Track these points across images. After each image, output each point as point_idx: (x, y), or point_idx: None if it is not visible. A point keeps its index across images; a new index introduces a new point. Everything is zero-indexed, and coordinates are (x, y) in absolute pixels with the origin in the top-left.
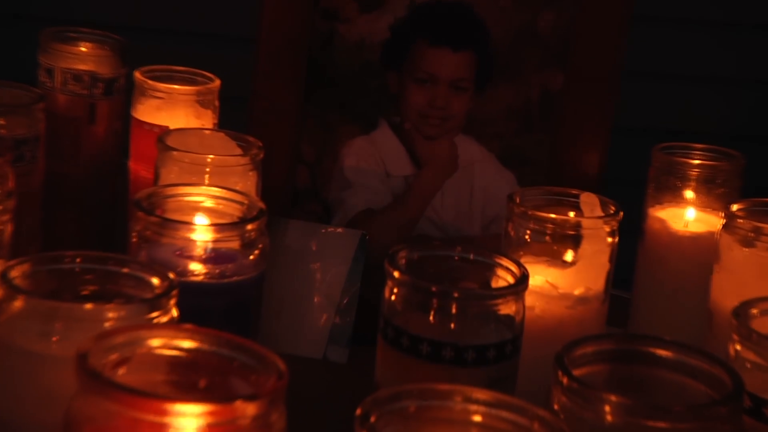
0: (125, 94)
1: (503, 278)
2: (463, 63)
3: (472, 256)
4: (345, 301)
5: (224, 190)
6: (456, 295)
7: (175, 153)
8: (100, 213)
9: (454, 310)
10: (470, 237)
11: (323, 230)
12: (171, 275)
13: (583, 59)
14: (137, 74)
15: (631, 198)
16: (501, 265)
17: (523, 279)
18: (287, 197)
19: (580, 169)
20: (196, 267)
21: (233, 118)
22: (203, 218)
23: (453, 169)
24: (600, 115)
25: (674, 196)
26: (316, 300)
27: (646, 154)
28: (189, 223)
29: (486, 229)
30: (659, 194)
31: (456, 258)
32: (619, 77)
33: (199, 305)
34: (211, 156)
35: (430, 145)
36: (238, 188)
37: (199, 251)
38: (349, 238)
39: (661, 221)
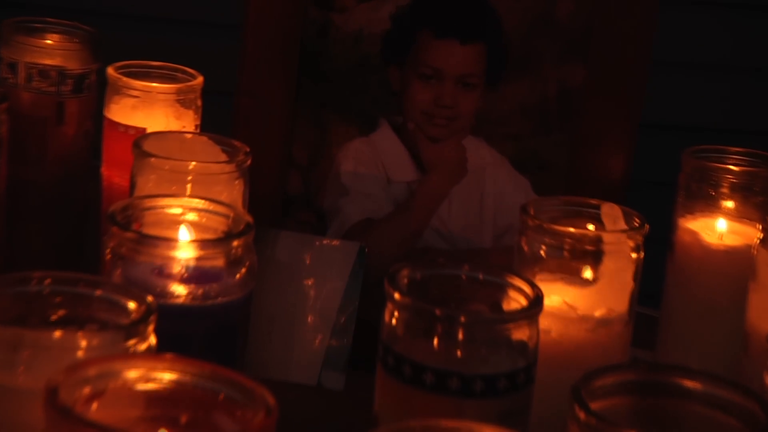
0: (97, 92)
1: (515, 300)
2: (472, 56)
3: (481, 276)
4: (342, 321)
5: (208, 202)
6: (463, 319)
7: (153, 160)
8: (70, 226)
9: (460, 336)
10: (481, 249)
11: (317, 242)
12: (149, 298)
13: (607, 51)
14: (110, 70)
15: (658, 202)
16: (513, 286)
17: (537, 301)
18: (277, 206)
19: (604, 174)
20: (176, 288)
21: (217, 117)
22: (185, 233)
23: (461, 175)
24: (626, 114)
25: (707, 206)
26: (309, 320)
27: (674, 152)
28: (169, 239)
29: (498, 241)
30: (690, 203)
31: (463, 277)
32: (647, 70)
33: (180, 330)
34: (193, 163)
35: (435, 147)
36: (222, 198)
37: (180, 270)
38: (346, 250)
39: (693, 233)
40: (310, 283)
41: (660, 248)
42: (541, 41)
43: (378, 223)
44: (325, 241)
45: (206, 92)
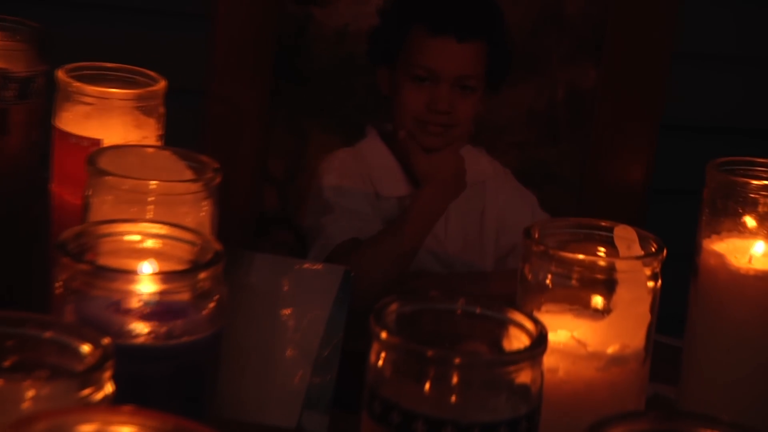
0: (45, 98)
1: (517, 337)
2: (470, 56)
3: (478, 310)
4: (324, 355)
5: (171, 227)
6: (457, 360)
7: (109, 178)
8: (14, 253)
9: (455, 380)
10: (481, 273)
11: (297, 266)
12: (105, 341)
13: (622, 49)
14: (60, 73)
15: (680, 213)
16: (514, 322)
17: (540, 340)
18: (251, 225)
19: (620, 187)
20: (136, 326)
21: (183, 123)
22: (146, 264)
23: (459, 189)
24: (644, 119)
25: (735, 225)
26: (288, 354)
27: (698, 157)
28: (128, 271)
29: (501, 264)
30: (716, 222)
31: (458, 312)
32: (667, 71)
33: (141, 374)
34: (155, 182)
35: (430, 158)
36: (188, 221)
37: (140, 306)
38: (329, 275)
39: (719, 256)
40: (288, 312)
41: (684, 266)
42: (548, 39)
43: (365, 244)
44: (305, 265)
45: (170, 91)
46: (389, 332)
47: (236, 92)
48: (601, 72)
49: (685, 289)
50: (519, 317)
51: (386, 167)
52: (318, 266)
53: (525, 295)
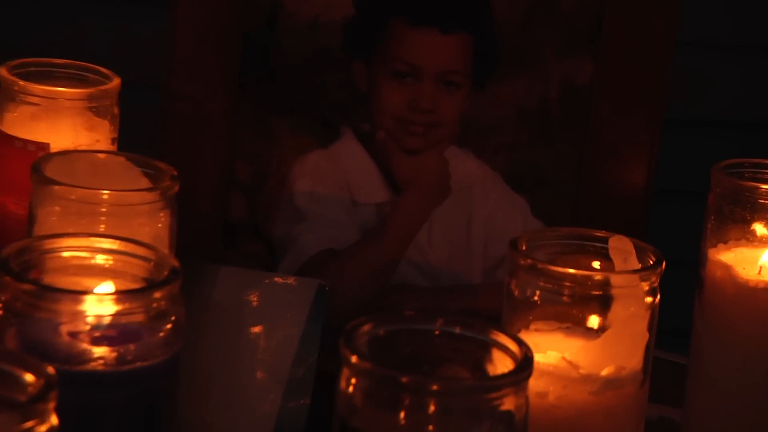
0: None
1: (500, 361)
2: (455, 49)
3: (458, 331)
4: (298, 377)
5: (124, 242)
6: (435, 387)
7: (57, 188)
8: None
9: (433, 408)
10: (468, 286)
11: (267, 280)
12: (49, 369)
13: (620, 41)
14: (3, 71)
15: (683, 215)
16: (497, 343)
17: (525, 364)
18: (217, 235)
19: (620, 192)
20: (85, 350)
21: (140, 123)
22: (96, 283)
23: (443, 194)
24: (645, 117)
25: (743, 233)
26: (258, 376)
27: (701, 154)
28: (76, 291)
29: (490, 276)
30: (722, 230)
31: (436, 333)
32: (670, 63)
33: (91, 403)
34: (108, 191)
35: (411, 161)
36: (144, 234)
37: (89, 329)
38: (302, 290)
39: (726, 267)
40: (258, 330)
41: (688, 274)
42: (540, 30)
43: (342, 256)
44: (276, 279)
45: (125, 85)
46: (360, 356)
47: (198, 89)
48: (599, 66)
49: (690, 299)
50: (502, 338)
51: (364, 171)
52: (290, 280)
53: (512, 313)
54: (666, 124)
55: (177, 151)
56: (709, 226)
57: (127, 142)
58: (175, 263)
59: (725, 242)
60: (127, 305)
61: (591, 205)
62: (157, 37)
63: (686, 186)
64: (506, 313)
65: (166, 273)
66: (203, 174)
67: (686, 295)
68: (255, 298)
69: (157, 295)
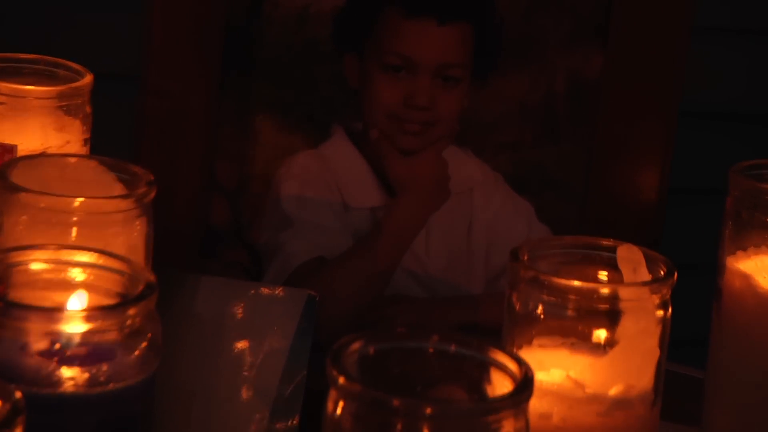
0: None
1: (499, 381)
2: (454, 41)
3: (453, 349)
4: (286, 395)
5: (97, 254)
6: (429, 410)
7: (23, 195)
8: None
9: None
10: (469, 297)
11: (252, 290)
12: (16, 392)
13: (631, 30)
14: None
15: (697, 217)
16: (495, 362)
17: (524, 385)
18: (197, 242)
19: (631, 195)
20: (55, 371)
21: (114, 120)
22: (66, 298)
23: (442, 198)
24: (658, 114)
25: (763, 239)
26: (243, 395)
27: (717, 149)
28: (44, 308)
29: (492, 286)
30: (741, 236)
31: (431, 351)
32: (686, 54)
33: (61, 427)
34: (79, 198)
35: (407, 162)
36: (118, 244)
37: (59, 348)
38: (290, 301)
39: (745, 277)
40: (242, 345)
41: (705, 279)
42: (545, 20)
43: (332, 264)
44: (262, 289)
45: (98, 78)
46: (348, 377)
47: (176, 84)
48: (608, 58)
49: (707, 306)
50: (501, 357)
51: (355, 173)
52: (277, 290)
53: (513, 328)
54: (678, 117)
55: (153, 150)
56: (726, 232)
57: (100, 141)
58: (151, 277)
59: (744, 249)
60: (99, 322)
61: (600, 209)
62: (131, 26)
63: (701, 183)
64: (507, 327)
65: (141, 287)
66: (181, 176)
67: (702, 302)
68: (239, 311)
69: (131, 311)
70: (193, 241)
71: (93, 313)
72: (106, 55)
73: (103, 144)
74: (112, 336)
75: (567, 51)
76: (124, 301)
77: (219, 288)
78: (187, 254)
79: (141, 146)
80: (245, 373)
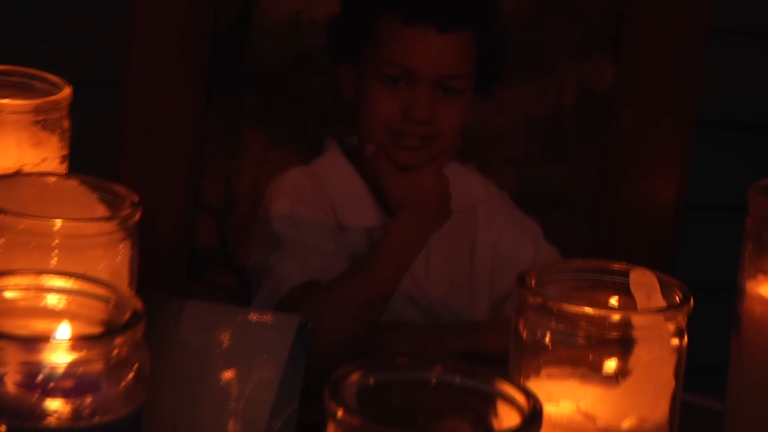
0: None
1: (506, 414)
2: (455, 50)
3: (458, 380)
4: (277, 428)
5: (79, 280)
6: None
7: (1, 217)
8: None
9: None
10: (472, 324)
11: (240, 317)
12: (1, 427)
13: (645, 40)
14: None
15: (716, 236)
16: (502, 394)
17: (533, 418)
18: (182, 264)
19: (645, 214)
20: (37, 404)
21: (94, 132)
22: (48, 327)
23: (443, 217)
24: (674, 127)
25: None
26: (230, 429)
27: (735, 163)
28: (24, 338)
29: (497, 311)
30: (762, 259)
31: (433, 383)
32: (703, 65)
33: None
34: (59, 220)
35: (406, 179)
36: (101, 269)
37: (41, 380)
38: (280, 328)
39: (766, 302)
40: (229, 375)
41: (723, 302)
42: (553, 27)
43: (326, 289)
44: (250, 315)
45: (77, 87)
46: (347, 409)
47: (160, 97)
48: (620, 68)
49: (725, 332)
50: (508, 389)
51: (351, 191)
52: (266, 316)
53: (520, 357)
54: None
55: (135, 167)
56: (746, 255)
57: (77, 156)
58: (138, 304)
59: (765, 273)
60: (84, 353)
61: (612, 229)
62: (111, 33)
63: (718, 199)
64: (514, 357)
65: (127, 315)
66: (165, 194)
67: (720, 327)
68: (225, 338)
69: (118, 341)
70: (176, 263)
71: (77, 342)
72: (85, 60)
73: (80, 160)
74: (97, 367)
75: (576, 60)
76: (110, 330)
77: (204, 314)
78: (170, 277)
79: (121, 162)
80: (232, 406)
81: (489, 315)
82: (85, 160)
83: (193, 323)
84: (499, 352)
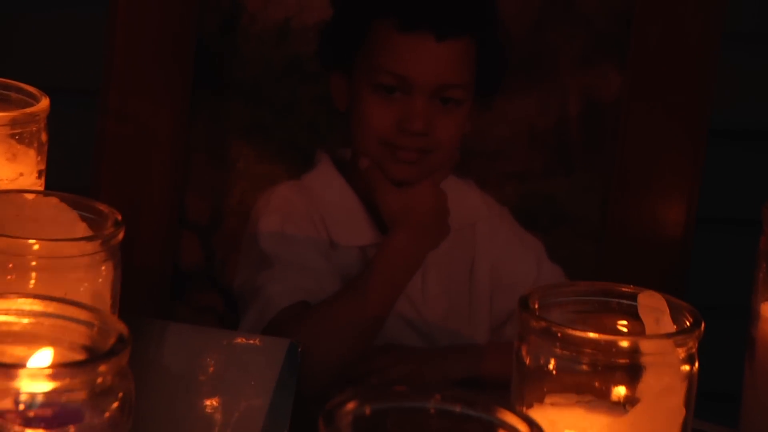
0: None
1: None
2: (454, 58)
3: (458, 409)
4: None
5: (60, 303)
6: None
7: None
8: None
9: None
10: (471, 347)
11: (226, 340)
12: None
13: (653, 47)
14: None
15: (724, 252)
16: (504, 424)
17: None
18: (164, 284)
19: (654, 232)
20: None
21: (73, 142)
22: (27, 352)
23: (441, 234)
24: (685, 140)
25: None
26: None
27: (748, 174)
28: (4, 365)
29: (498, 334)
30: None
31: (432, 412)
32: (715, 73)
33: None
34: (38, 241)
35: (402, 194)
36: (82, 292)
37: (20, 408)
38: (269, 351)
39: None
40: (215, 402)
41: (737, 324)
42: (556, 34)
43: (317, 309)
44: (237, 339)
45: (54, 96)
46: None
47: (142, 108)
48: (627, 77)
49: (739, 358)
50: (510, 418)
51: (343, 207)
52: (254, 340)
53: (522, 384)
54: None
55: (115, 181)
56: (760, 275)
57: (52, 168)
58: (123, 329)
59: None
60: (66, 380)
61: (619, 248)
62: (91, 39)
63: (730, 212)
64: (516, 383)
65: (112, 341)
66: (147, 210)
67: (733, 350)
68: (211, 363)
69: (102, 368)
70: (159, 283)
71: (59, 370)
72: (62, 65)
73: (57, 174)
74: (79, 395)
75: (581, 68)
76: (94, 356)
77: (188, 337)
78: (152, 298)
79: (100, 177)
80: None
81: (489, 338)
82: (61, 173)
83: (177, 347)
84: (499, 377)
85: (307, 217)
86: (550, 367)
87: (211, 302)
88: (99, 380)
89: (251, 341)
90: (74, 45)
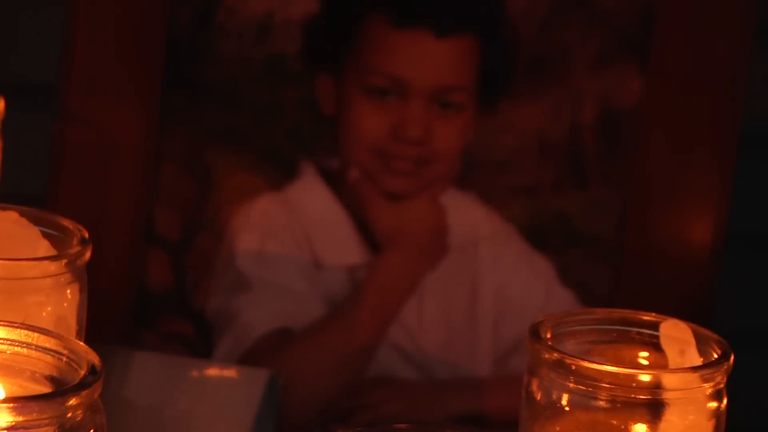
0: None
1: None
2: (455, 58)
3: None
4: None
5: (22, 330)
6: None
7: None
8: None
9: None
10: (472, 381)
11: (198, 371)
12: None
13: (678, 48)
14: None
15: (754, 275)
16: None
17: None
18: (130, 309)
19: (677, 253)
20: None
21: (30, 147)
22: None
23: (439, 254)
24: (712, 149)
25: None
26: None
27: None
28: None
29: (502, 366)
30: None
31: None
32: (747, 75)
33: None
34: None
35: (395, 209)
36: (45, 317)
37: None
38: (246, 383)
39: None
40: None
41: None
42: (570, 33)
43: (301, 337)
44: (211, 368)
45: (8, 92)
46: None
47: (106, 112)
48: (648, 81)
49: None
50: None
51: (330, 222)
52: (230, 370)
53: (532, 421)
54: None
55: (75, 192)
56: None
57: (8, 178)
58: (95, 359)
59: None
60: (32, 416)
61: (638, 271)
62: (48, 34)
63: (763, 230)
64: (525, 421)
65: (82, 372)
66: (111, 225)
67: (766, 384)
68: (181, 396)
69: (71, 401)
70: (123, 307)
71: (24, 404)
72: (16, 67)
73: (15, 188)
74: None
75: (597, 71)
76: (63, 389)
77: (156, 367)
78: (115, 324)
79: (59, 187)
80: None
81: (493, 371)
82: (7, 182)
83: (143, 379)
84: (504, 414)
85: (290, 233)
86: (563, 403)
87: (181, 329)
88: (69, 415)
89: (226, 372)
90: (31, 38)
